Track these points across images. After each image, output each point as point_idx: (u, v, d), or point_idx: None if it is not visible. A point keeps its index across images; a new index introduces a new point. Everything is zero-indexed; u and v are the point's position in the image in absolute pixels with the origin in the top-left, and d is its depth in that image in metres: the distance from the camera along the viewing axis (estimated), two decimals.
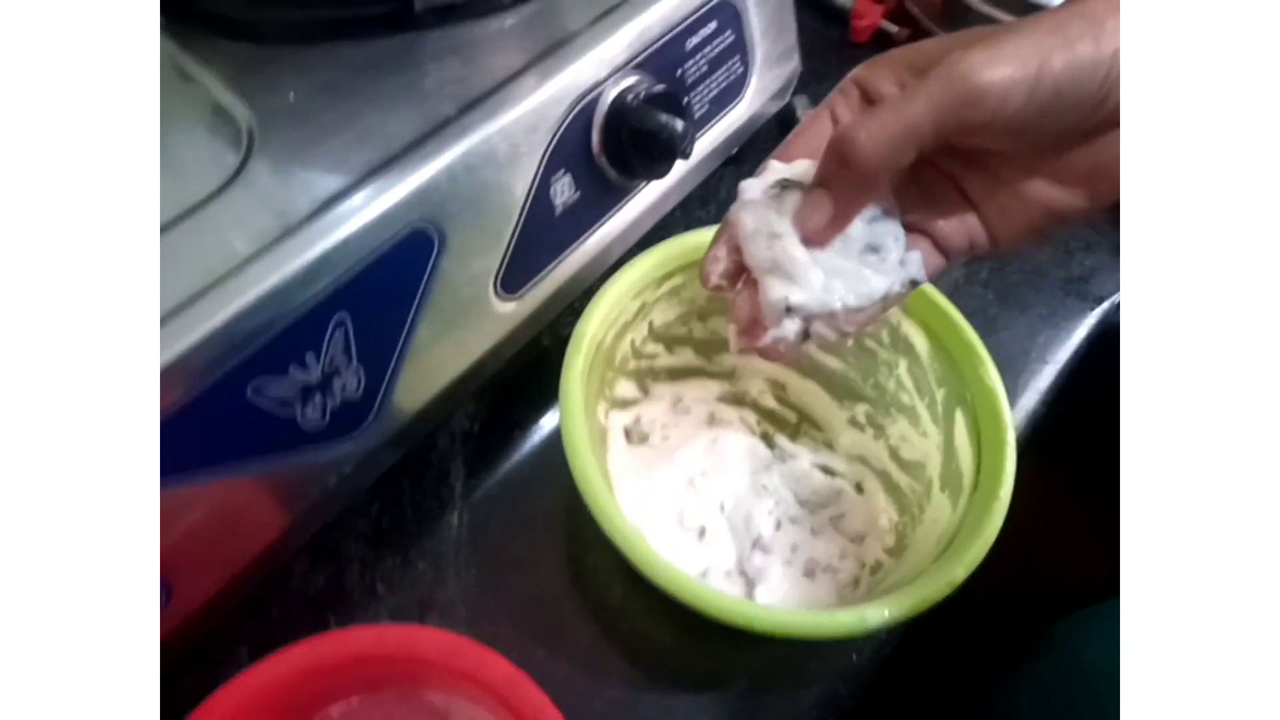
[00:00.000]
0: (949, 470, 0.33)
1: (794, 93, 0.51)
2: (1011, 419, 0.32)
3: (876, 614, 0.27)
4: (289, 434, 0.29)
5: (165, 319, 0.25)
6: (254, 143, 0.30)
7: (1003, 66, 0.21)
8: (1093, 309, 0.49)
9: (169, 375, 0.25)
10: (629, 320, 0.35)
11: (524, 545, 0.37)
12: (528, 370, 0.39)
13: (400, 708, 0.30)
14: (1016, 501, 0.32)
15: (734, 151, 0.47)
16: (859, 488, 0.37)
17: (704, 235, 0.36)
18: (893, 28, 0.59)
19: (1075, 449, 0.51)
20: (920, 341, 0.35)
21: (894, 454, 0.36)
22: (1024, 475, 0.35)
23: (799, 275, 0.23)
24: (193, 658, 0.31)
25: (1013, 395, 0.45)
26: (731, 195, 0.46)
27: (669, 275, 0.36)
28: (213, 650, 0.33)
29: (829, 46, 0.59)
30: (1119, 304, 0.50)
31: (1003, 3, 0.56)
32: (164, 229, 0.27)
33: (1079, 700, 0.40)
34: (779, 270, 0.23)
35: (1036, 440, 0.45)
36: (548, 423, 0.41)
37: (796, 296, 0.23)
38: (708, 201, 0.49)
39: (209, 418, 0.26)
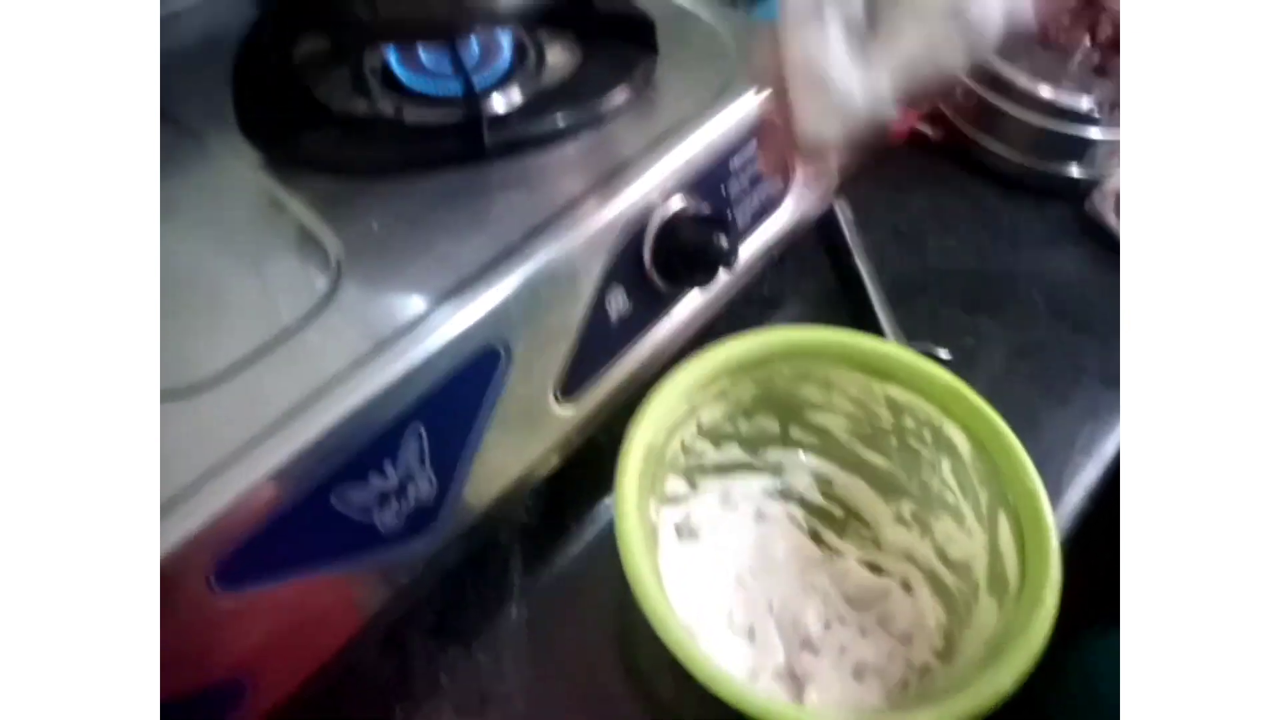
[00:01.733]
0: (995, 572, 0.34)
1: (835, 197, 0.54)
2: (1054, 524, 0.33)
3: None
4: (367, 536, 0.31)
5: (263, 434, 0.28)
6: (342, 269, 0.33)
7: None
8: None
9: (262, 486, 0.27)
10: (679, 420, 0.37)
11: (580, 638, 0.39)
12: (583, 466, 0.41)
13: None
14: (1065, 600, 0.33)
15: (780, 255, 0.50)
16: (906, 586, 0.37)
17: (746, 343, 0.38)
18: (928, 129, 0.62)
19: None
20: (962, 442, 0.36)
21: (940, 553, 0.37)
22: (1073, 571, 0.36)
23: None
24: None
25: (1058, 491, 0.45)
26: (772, 291, 0.48)
27: (715, 378, 0.38)
28: None
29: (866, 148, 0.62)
30: None
31: (1033, 105, 0.58)
32: (262, 349, 0.30)
33: None
34: None
35: (1085, 535, 0.46)
36: (602, 516, 0.42)
37: None
38: (751, 302, 0.52)
39: (295, 524, 0.29)
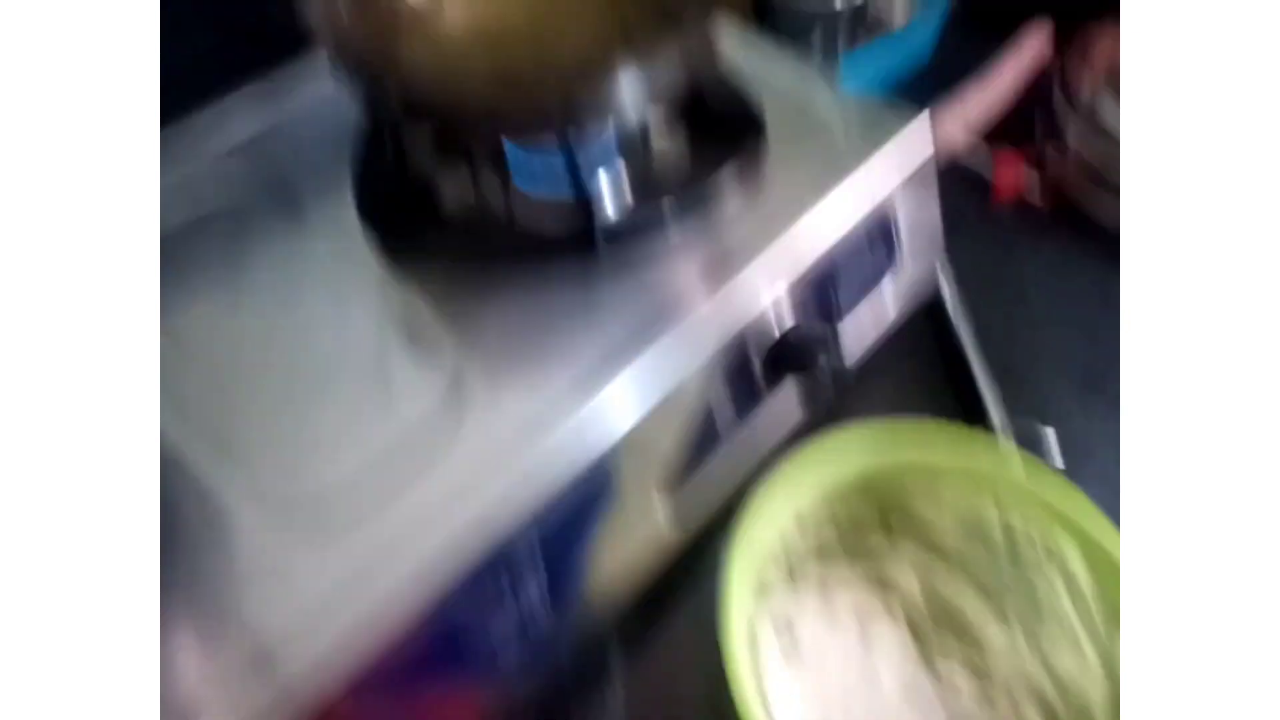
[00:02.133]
0: (1113, 704, 0.32)
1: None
2: None
3: None
4: (487, 644, 0.32)
5: (389, 549, 0.29)
6: (460, 373, 0.34)
7: None
8: None
9: (391, 605, 0.29)
10: (777, 511, 0.37)
11: None
12: (683, 560, 0.41)
13: None
14: None
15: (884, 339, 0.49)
16: (1015, 710, 0.36)
17: (840, 439, 0.37)
18: (1036, 197, 0.59)
19: None
20: (1073, 552, 0.35)
21: (1052, 674, 0.35)
22: None
23: None
24: None
25: None
26: (871, 367, 0.47)
27: (814, 473, 0.37)
28: None
29: (968, 211, 0.60)
30: None
31: None
32: (380, 460, 0.31)
33: None
34: None
35: None
36: (698, 605, 0.42)
37: None
38: (857, 387, 0.50)
39: (423, 639, 0.30)
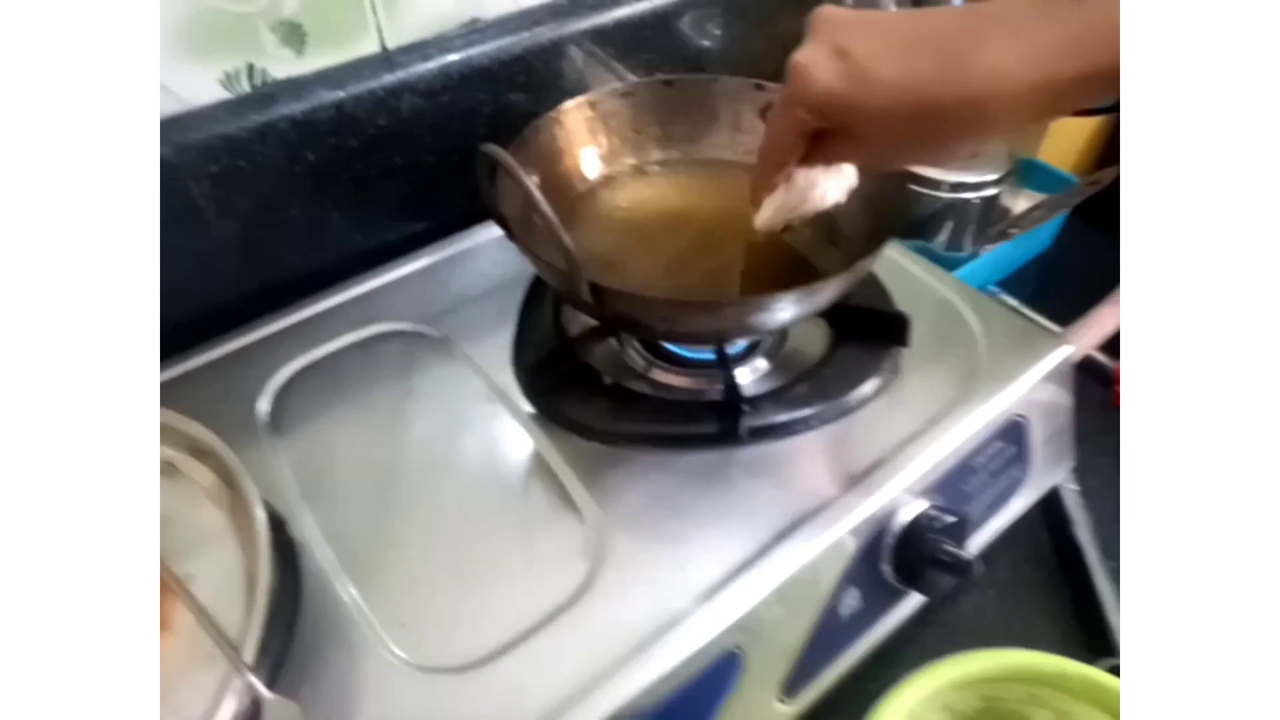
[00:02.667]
0: None
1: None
2: None
3: None
4: None
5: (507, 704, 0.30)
6: (602, 548, 0.35)
7: None
8: None
9: None
10: None
11: None
12: None
13: None
14: None
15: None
16: None
17: (978, 663, 0.37)
18: None
19: None
20: None
21: None
22: None
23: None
24: None
25: None
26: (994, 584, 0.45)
27: (940, 694, 0.37)
28: None
29: (1094, 414, 0.59)
30: None
31: None
32: (522, 636, 0.33)
33: None
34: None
35: None
36: None
37: None
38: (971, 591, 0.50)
39: None
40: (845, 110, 0.29)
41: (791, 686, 0.37)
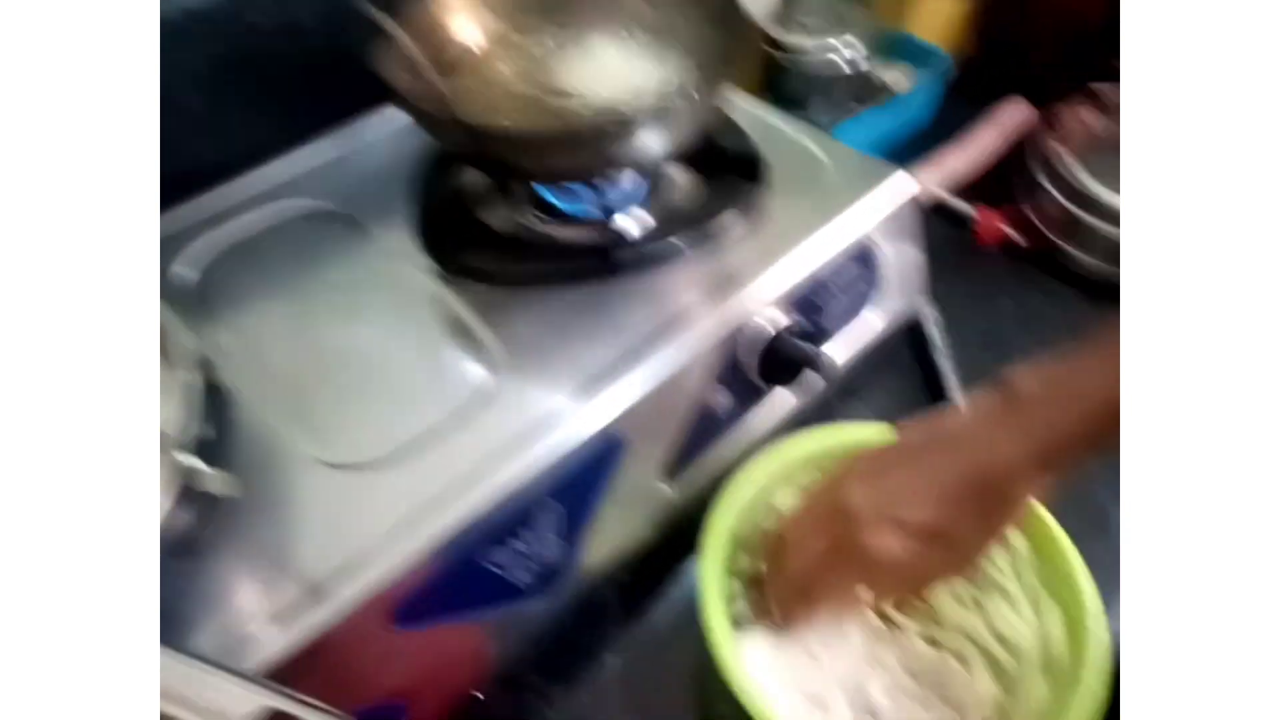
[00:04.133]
0: (1047, 656, 0.38)
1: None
2: (1102, 620, 0.37)
3: None
4: (505, 591, 0.38)
5: (433, 505, 0.35)
6: (498, 366, 0.40)
7: None
8: None
9: (431, 548, 0.35)
10: (755, 506, 0.43)
11: (666, 686, 0.44)
12: (677, 535, 0.47)
13: None
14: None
15: (869, 355, 0.55)
16: (963, 661, 0.41)
17: (813, 440, 0.43)
18: (1019, 237, 0.66)
19: None
20: (1019, 540, 0.41)
21: (995, 632, 0.41)
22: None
23: None
24: None
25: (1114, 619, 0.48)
26: (860, 384, 0.52)
27: (787, 470, 0.43)
28: None
29: (955, 252, 0.67)
30: None
31: (1115, 218, 0.62)
32: (429, 432, 0.38)
33: None
34: None
35: None
36: (688, 580, 0.48)
37: None
38: (845, 397, 0.57)
39: (454, 578, 0.36)
40: (918, 560, 0.37)
41: (673, 470, 0.43)
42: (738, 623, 0.43)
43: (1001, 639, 0.41)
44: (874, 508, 0.38)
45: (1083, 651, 0.37)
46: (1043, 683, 0.38)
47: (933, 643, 0.43)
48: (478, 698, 0.43)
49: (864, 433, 0.44)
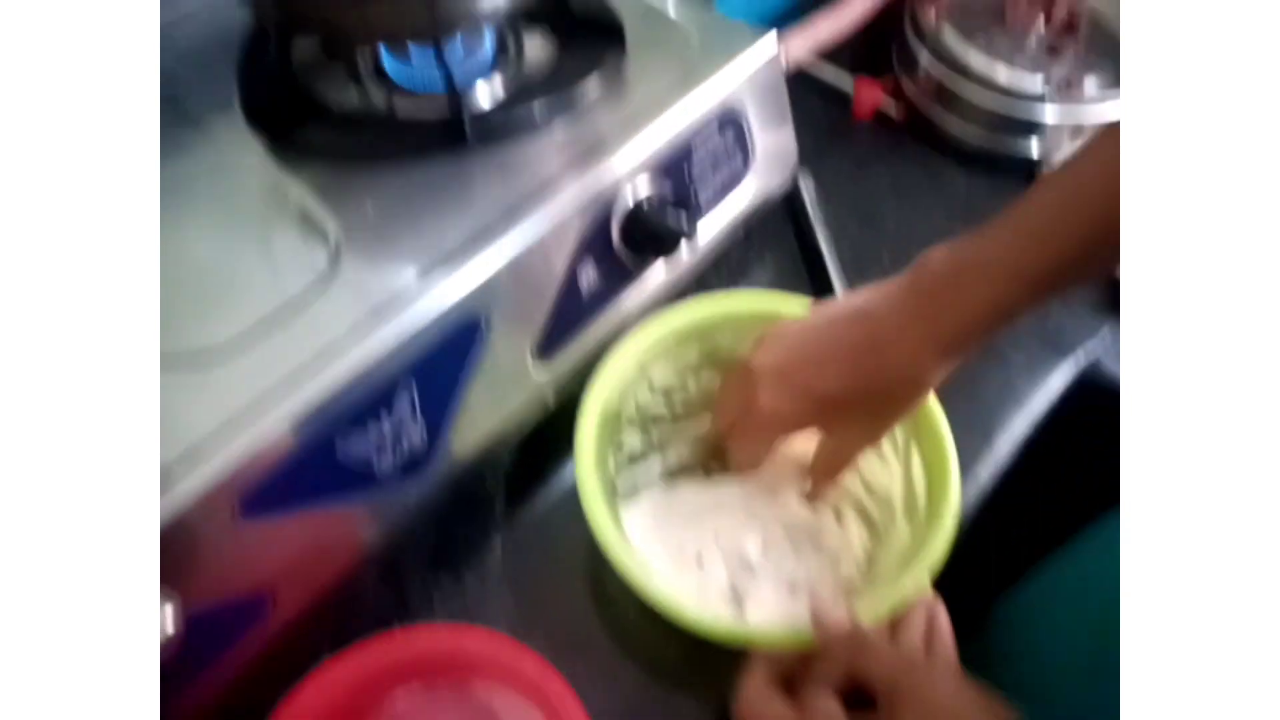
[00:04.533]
0: (909, 501, 0.40)
1: (799, 172, 0.59)
2: (955, 459, 0.39)
3: None
4: (367, 479, 0.37)
5: (276, 391, 0.33)
6: (341, 248, 0.38)
7: None
8: (1067, 359, 0.55)
9: (276, 435, 0.33)
10: (631, 381, 0.42)
11: (555, 566, 0.44)
12: (560, 418, 0.47)
13: (452, 696, 0.37)
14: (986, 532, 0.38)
15: (745, 229, 0.54)
16: (837, 515, 0.43)
17: (683, 313, 0.43)
18: (891, 108, 0.66)
19: (1053, 490, 0.56)
20: None
21: (865, 484, 0.42)
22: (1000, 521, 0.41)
23: None
24: (287, 663, 0.38)
25: (988, 441, 0.50)
26: (739, 260, 0.52)
27: (663, 341, 0.43)
28: (303, 656, 0.40)
29: (832, 126, 0.66)
30: (1093, 354, 0.55)
31: (989, 86, 0.62)
32: (271, 318, 0.35)
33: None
34: None
35: (1014, 486, 0.51)
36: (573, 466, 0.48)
37: None
38: (719, 266, 0.56)
39: (307, 465, 0.34)
40: (808, 421, 0.39)
41: (545, 352, 0.42)
42: (623, 494, 0.43)
43: (871, 490, 0.42)
44: (774, 371, 0.38)
45: (942, 495, 0.38)
46: (906, 526, 0.40)
47: (808, 502, 0.44)
48: (356, 590, 0.43)
49: (740, 301, 0.44)
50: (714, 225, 0.50)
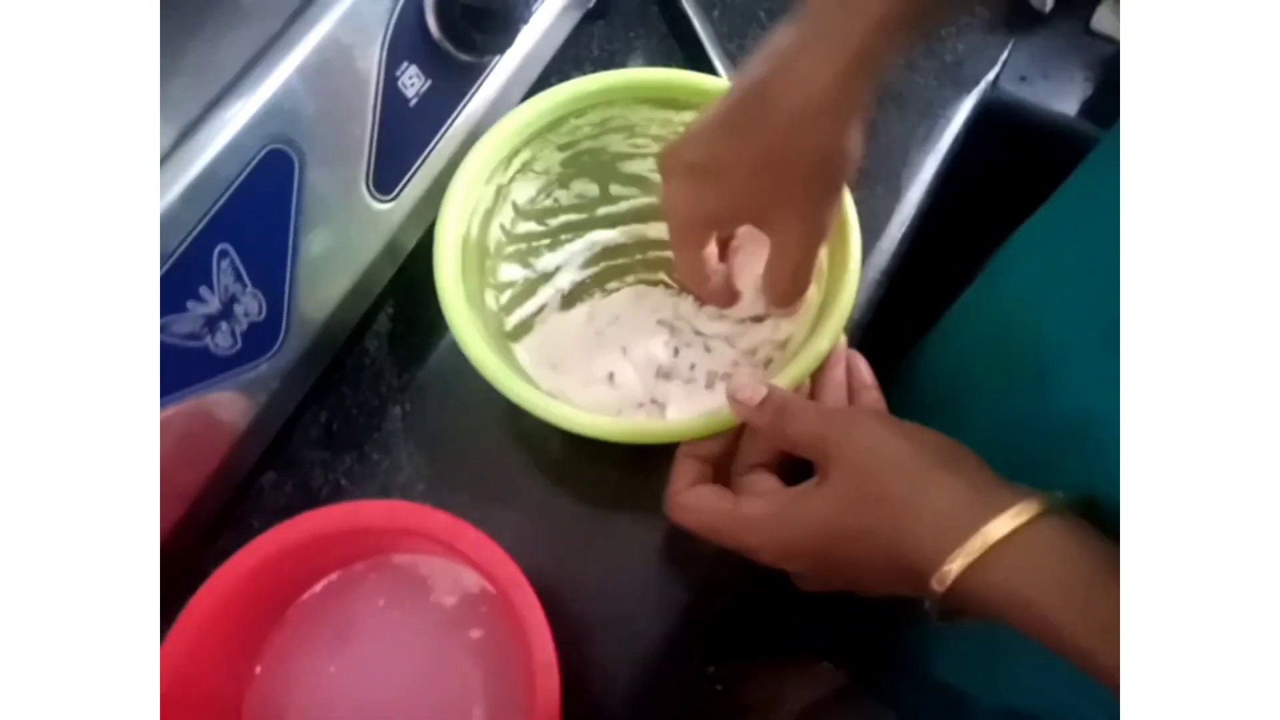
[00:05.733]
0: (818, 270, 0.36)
1: None
2: (853, 213, 0.35)
3: None
4: (206, 363, 0.32)
5: None
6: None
7: None
8: (969, 92, 0.51)
9: None
10: (490, 207, 0.37)
11: (465, 420, 0.41)
12: (427, 261, 0.41)
13: (373, 574, 0.34)
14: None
15: (592, 3, 0.47)
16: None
17: (531, 105, 0.37)
18: None
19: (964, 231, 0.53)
20: None
21: None
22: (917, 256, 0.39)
23: None
24: (182, 577, 0.35)
25: (897, 189, 0.47)
26: (603, 52, 0.46)
27: (514, 152, 0.37)
28: (206, 567, 0.37)
29: None
30: (995, 82, 0.51)
31: None
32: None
33: None
34: None
35: (929, 225, 0.48)
36: None
37: None
38: (581, 61, 0.50)
39: None
40: (732, 206, 0.33)
41: (383, 182, 0.36)
42: (519, 332, 0.39)
43: None
44: (685, 166, 0.33)
45: (843, 246, 0.35)
46: (815, 294, 0.36)
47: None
48: (254, 487, 0.39)
49: (575, 86, 0.38)
50: (554, 4, 0.42)
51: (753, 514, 0.29)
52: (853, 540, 0.27)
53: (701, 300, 0.39)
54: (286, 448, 0.40)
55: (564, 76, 0.46)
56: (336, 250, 0.35)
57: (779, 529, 0.28)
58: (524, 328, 0.39)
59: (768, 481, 0.30)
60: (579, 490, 0.39)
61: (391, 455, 0.40)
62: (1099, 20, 0.52)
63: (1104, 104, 0.52)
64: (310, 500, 0.39)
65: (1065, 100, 0.52)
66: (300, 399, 0.39)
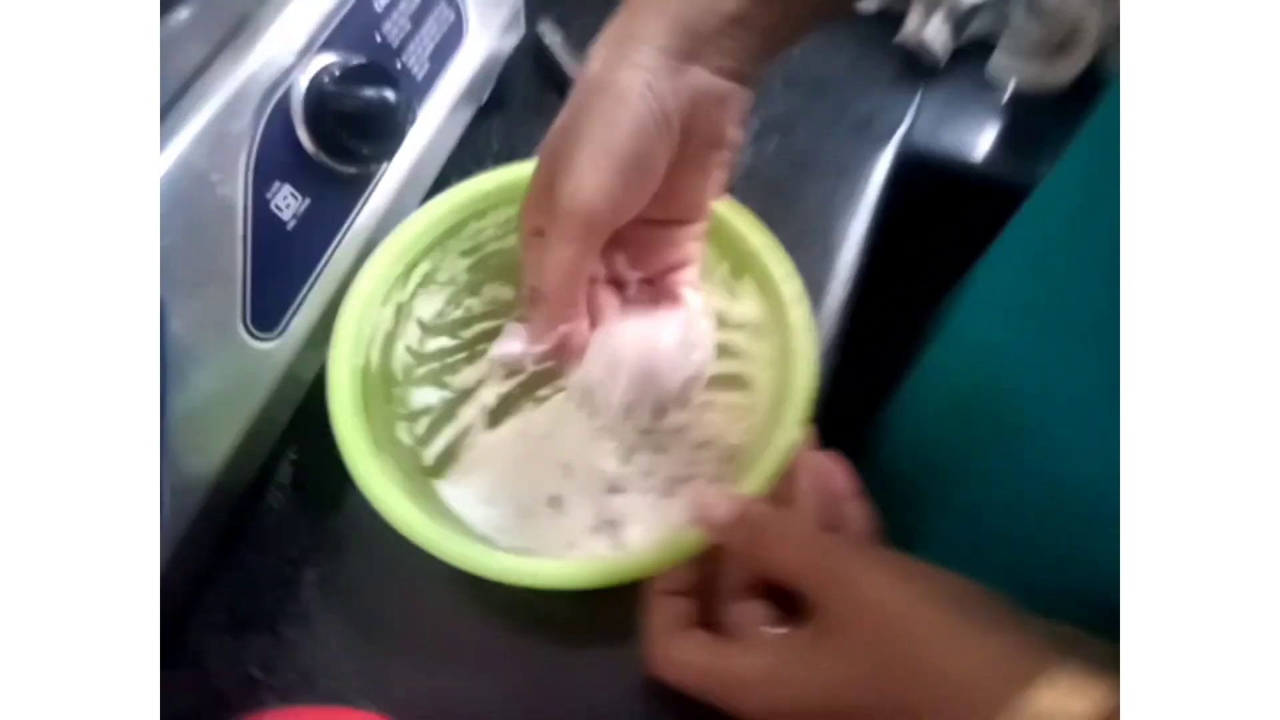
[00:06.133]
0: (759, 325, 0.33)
1: (538, 19, 0.49)
2: (785, 270, 0.33)
3: None
4: None
5: None
6: None
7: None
8: (884, 147, 0.49)
9: None
10: (390, 329, 0.33)
11: (394, 573, 0.35)
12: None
13: None
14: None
15: (485, 98, 0.45)
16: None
17: (423, 213, 0.33)
18: None
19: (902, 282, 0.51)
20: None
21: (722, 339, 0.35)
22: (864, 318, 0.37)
23: None
24: None
25: (830, 250, 0.45)
26: (504, 146, 0.43)
27: (412, 265, 0.33)
28: None
29: None
30: (908, 132, 0.50)
31: None
32: None
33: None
34: None
35: (870, 284, 0.46)
36: None
37: None
38: (483, 158, 0.46)
39: None
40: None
41: (262, 320, 0.31)
42: (441, 464, 0.34)
43: (728, 349, 0.35)
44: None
45: (778, 310, 0.32)
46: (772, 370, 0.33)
47: None
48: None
49: (469, 187, 0.35)
50: (445, 95, 0.39)
51: (744, 672, 0.24)
52: (866, 717, 0.23)
53: (537, 336, 0.29)
54: (183, 640, 0.34)
55: (465, 175, 0.42)
56: (216, 401, 0.30)
57: (775, 686, 0.24)
58: (448, 458, 0.34)
59: (760, 614, 0.26)
60: (541, 632, 0.33)
61: (311, 630, 0.34)
62: (994, 67, 0.52)
63: (1011, 150, 0.51)
64: (216, 704, 0.33)
65: (978, 147, 0.52)
66: (193, 577, 0.33)
